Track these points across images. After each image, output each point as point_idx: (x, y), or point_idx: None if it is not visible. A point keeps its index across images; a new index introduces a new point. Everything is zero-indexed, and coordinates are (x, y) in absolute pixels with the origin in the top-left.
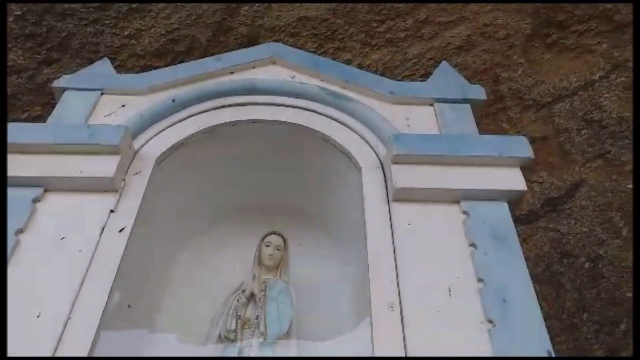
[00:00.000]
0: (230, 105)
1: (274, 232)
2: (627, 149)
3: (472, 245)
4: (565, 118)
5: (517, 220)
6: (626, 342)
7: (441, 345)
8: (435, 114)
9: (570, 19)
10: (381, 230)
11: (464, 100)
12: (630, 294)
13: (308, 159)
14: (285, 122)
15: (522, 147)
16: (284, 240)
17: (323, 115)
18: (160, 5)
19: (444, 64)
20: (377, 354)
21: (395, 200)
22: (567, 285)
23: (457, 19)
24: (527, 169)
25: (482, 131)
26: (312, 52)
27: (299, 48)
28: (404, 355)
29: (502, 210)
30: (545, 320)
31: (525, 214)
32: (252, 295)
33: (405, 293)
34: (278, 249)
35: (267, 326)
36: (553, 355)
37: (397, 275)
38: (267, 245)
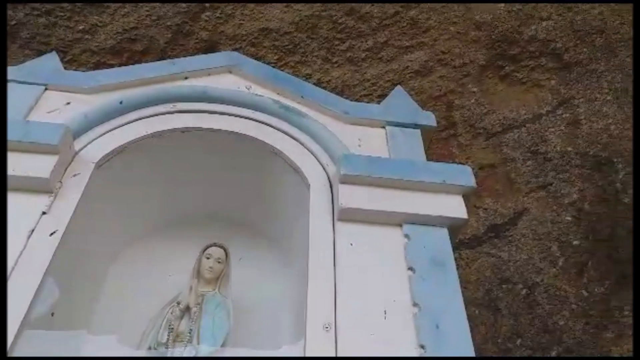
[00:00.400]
0: (181, 111)
1: (215, 244)
2: (568, 182)
3: (411, 269)
4: (512, 148)
5: (461, 244)
6: None
7: None
8: (387, 137)
9: (523, 54)
10: (323, 249)
11: (415, 126)
12: (562, 322)
13: (257, 172)
14: (236, 132)
15: (465, 176)
16: (226, 253)
17: (276, 128)
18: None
19: (398, 88)
20: None
21: (340, 219)
22: (504, 310)
23: (416, 44)
24: (470, 197)
25: (432, 155)
26: (272, 64)
27: (259, 59)
28: None
29: (443, 236)
30: (481, 344)
31: (470, 238)
32: (188, 308)
33: (342, 314)
34: (219, 262)
35: (200, 341)
36: None
37: (335, 296)
38: (208, 257)
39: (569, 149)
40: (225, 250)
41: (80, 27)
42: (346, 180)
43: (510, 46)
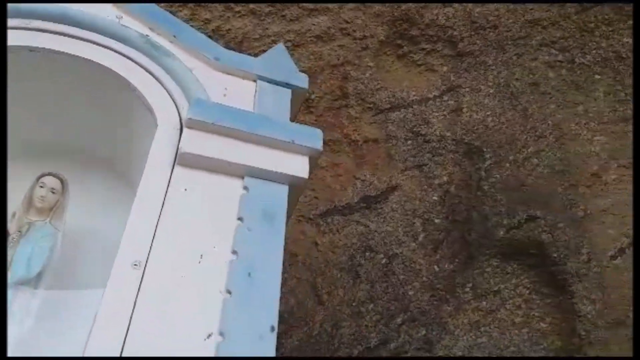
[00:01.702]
0: (35, 29)
1: (51, 174)
2: (441, 164)
3: (240, 219)
4: (397, 126)
5: (334, 210)
6: (397, 334)
7: (171, 308)
8: (256, 91)
9: (422, 36)
10: (154, 190)
11: (287, 85)
12: (412, 292)
13: (110, 106)
14: (93, 61)
15: (314, 139)
16: (63, 184)
17: (137, 64)
18: None
19: (280, 46)
20: (101, 312)
21: (180, 164)
22: (363, 276)
23: (321, 8)
24: (316, 159)
25: (322, 123)
26: (169, 2)
27: None
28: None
29: (281, 192)
30: (336, 305)
31: (343, 206)
32: (7, 234)
33: (156, 254)
34: (53, 192)
35: (12, 267)
36: (276, 329)
37: (154, 236)
38: (41, 186)
39: (447, 134)
40: (62, 181)
41: None
42: (192, 125)
43: (410, 26)
